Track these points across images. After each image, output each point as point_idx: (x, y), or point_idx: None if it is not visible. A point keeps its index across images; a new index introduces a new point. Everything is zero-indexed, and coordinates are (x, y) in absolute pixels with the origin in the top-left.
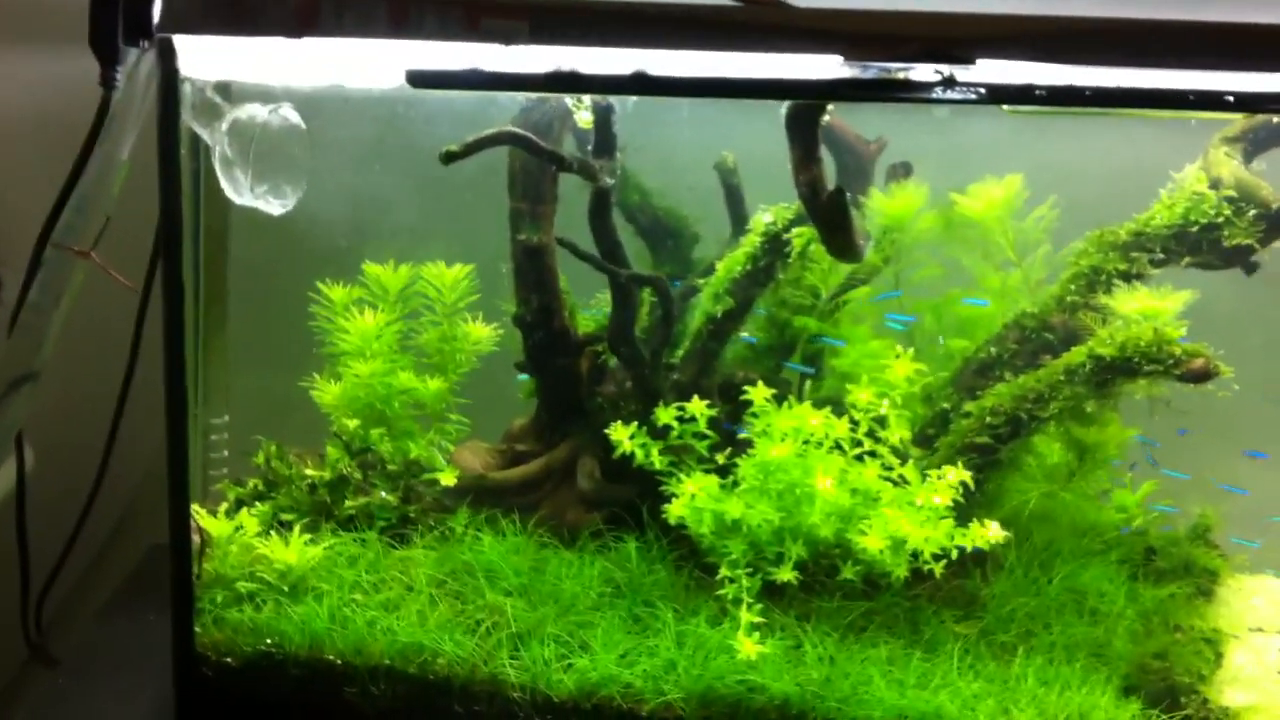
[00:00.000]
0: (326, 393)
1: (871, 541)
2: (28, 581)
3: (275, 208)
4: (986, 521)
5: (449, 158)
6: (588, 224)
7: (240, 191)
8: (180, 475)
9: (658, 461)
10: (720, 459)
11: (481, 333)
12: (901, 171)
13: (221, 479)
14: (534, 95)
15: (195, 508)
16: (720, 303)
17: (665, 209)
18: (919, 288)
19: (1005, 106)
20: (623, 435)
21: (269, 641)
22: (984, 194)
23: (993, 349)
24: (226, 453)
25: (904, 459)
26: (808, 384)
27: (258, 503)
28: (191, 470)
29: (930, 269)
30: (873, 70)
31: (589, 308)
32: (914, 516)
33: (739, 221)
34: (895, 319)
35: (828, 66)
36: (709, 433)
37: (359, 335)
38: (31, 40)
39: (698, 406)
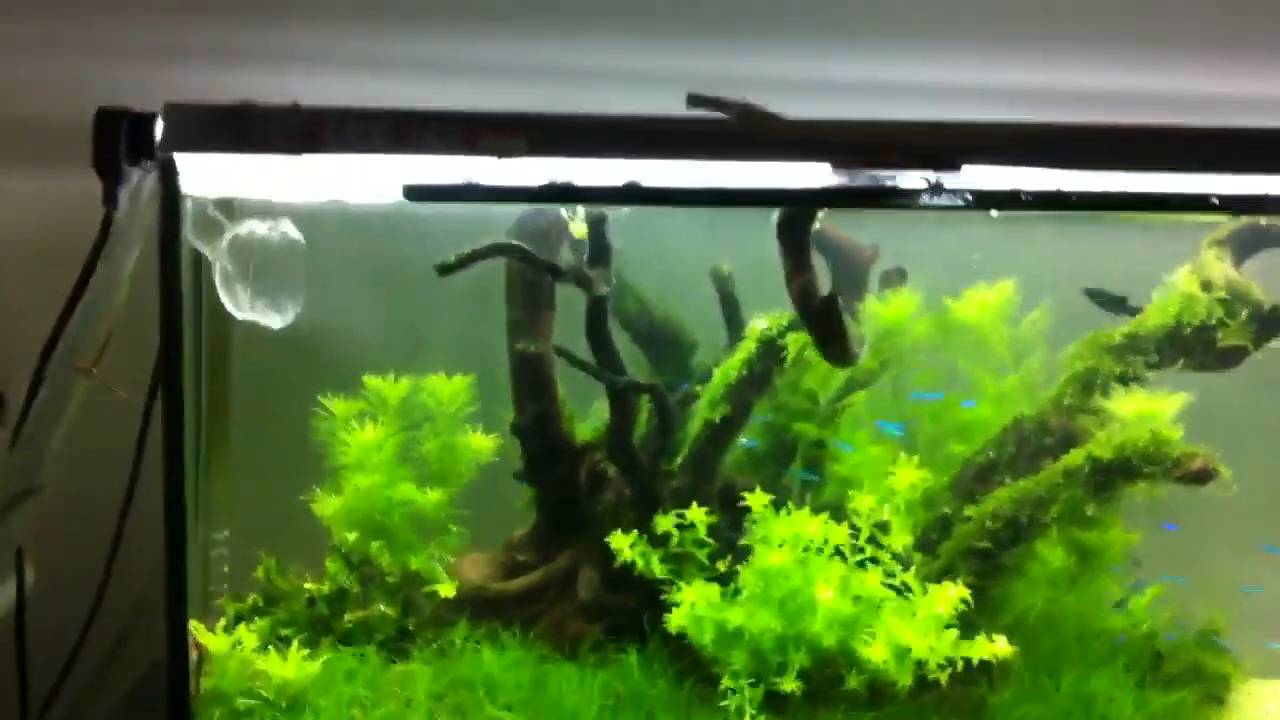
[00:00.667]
0: (327, 506)
1: (875, 651)
2: (26, 701)
3: (275, 321)
4: (995, 636)
5: (444, 270)
6: (586, 329)
7: (241, 306)
8: (179, 591)
9: (658, 569)
10: (721, 566)
11: (482, 443)
12: (896, 277)
13: (222, 594)
14: (530, 206)
15: (193, 623)
16: (717, 409)
17: (662, 317)
18: (916, 392)
19: (994, 211)
20: (622, 543)
21: None
22: (977, 299)
23: (991, 453)
24: (227, 568)
25: (906, 565)
26: (810, 491)
27: (256, 618)
28: (191, 586)
29: (927, 374)
30: (861, 178)
31: (587, 416)
32: (917, 626)
33: (735, 328)
34: (888, 425)
35: (817, 175)
36: (708, 540)
37: (359, 448)
38: (36, 160)
39: (697, 513)
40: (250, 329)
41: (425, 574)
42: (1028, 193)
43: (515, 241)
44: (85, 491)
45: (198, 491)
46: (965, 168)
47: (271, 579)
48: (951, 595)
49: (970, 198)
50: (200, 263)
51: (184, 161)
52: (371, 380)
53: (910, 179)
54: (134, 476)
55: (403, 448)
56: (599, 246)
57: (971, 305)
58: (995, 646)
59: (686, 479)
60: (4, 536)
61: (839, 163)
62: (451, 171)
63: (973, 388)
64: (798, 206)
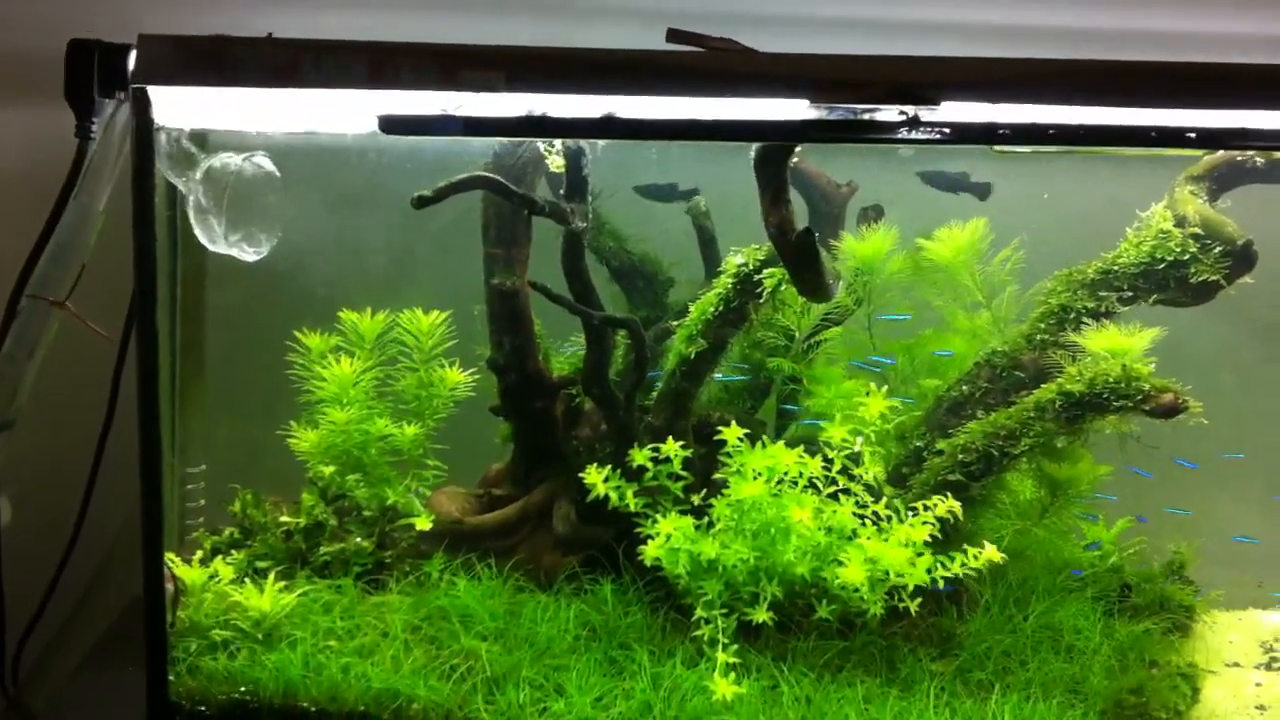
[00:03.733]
0: (303, 440)
1: (850, 573)
2: (3, 634)
3: (249, 255)
4: (982, 547)
5: (420, 202)
6: (560, 268)
7: (215, 239)
8: (154, 524)
9: (632, 503)
10: (695, 500)
11: (457, 378)
12: (872, 215)
13: (198, 528)
14: (506, 141)
15: (170, 556)
16: (693, 344)
17: (639, 253)
18: (892, 330)
19: (995, 148)
20: (597, 478)
21: (243, 689)
22: (951, 237)
23: (965, 387)
24: (203, 501)
25: (878, 496)
26: (791, 426)
27: (233, 551)
28: (167, 519)
29: (901, 310)
30: (839, 112)
31: (563, 351)
32: (893, 550)
33: (711, 264)
34: (872, 361)
35: (795, 110)
36: (683, 474)
37: (336, 382)
38: (9, 93)
39: (672, 447)
40: (225, 262)
41: (402, 508)
42: (1005, 126)
43: (492, 175)
44: (62, 427)
45: (174, 426)
46: (944, 104)
47: (248, 512)
48: (938, 510)
49: (947, 132)
50: (175, 196)
51: (157, 94)
52: (348, 315)
53: (888, 114)
54: (110, 411)
55: (379, 383)
56: (576, 181)
57: (945, 243)
58: (987, 552)
59: (662, 414)
60: None
61: (817, 97)
62: (428, 103)
63: (946, 323)
64: (775, 141)
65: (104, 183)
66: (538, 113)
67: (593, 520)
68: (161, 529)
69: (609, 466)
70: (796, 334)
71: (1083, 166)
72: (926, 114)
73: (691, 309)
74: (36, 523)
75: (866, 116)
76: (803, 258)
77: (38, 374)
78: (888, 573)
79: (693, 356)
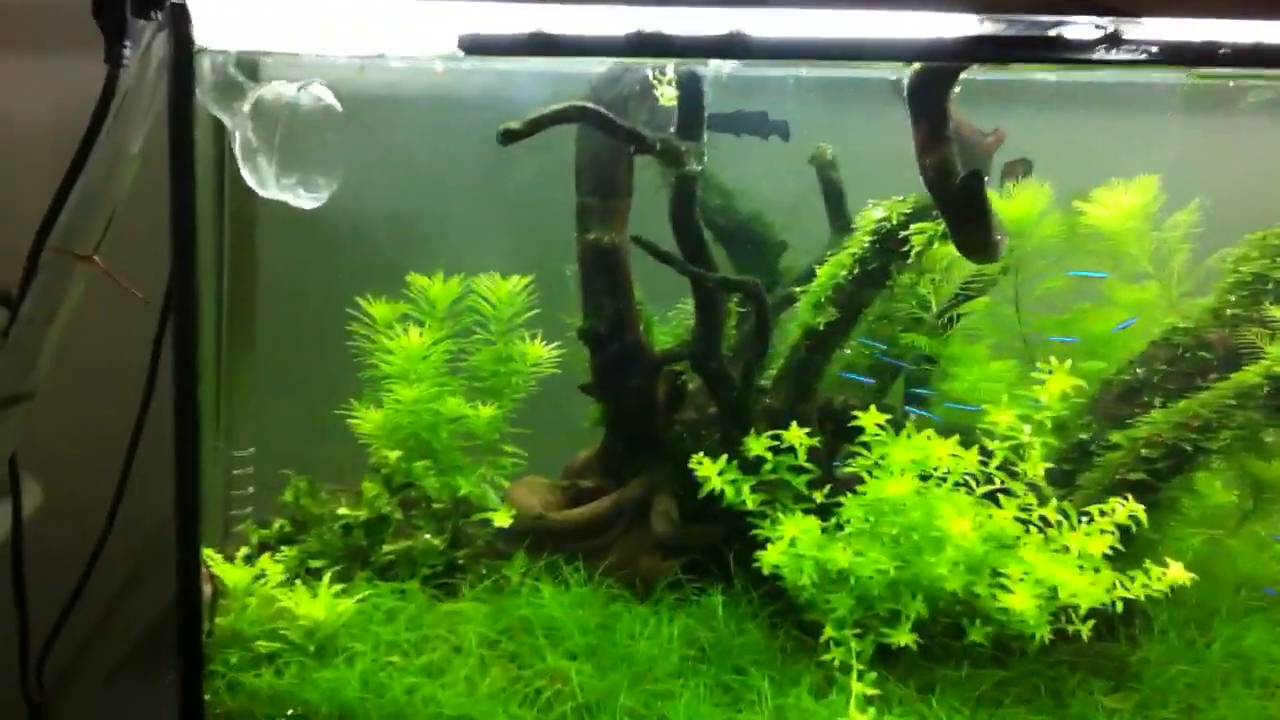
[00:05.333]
0: (366, 421)
1: (1017, 600)
2: (27, 634)
3: (306, 201)
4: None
5: (509, 136)
6: (668, 221)
7: (265, 183)
8: (190, 516)
9: (749, 500)
10: (818, 497)
11: (540, 352)
12: (1020, 169)
13: (245, 519)
14: (609, 64)
15: (208, 553)
16: (822, 313)
17: (748, 211)
18: (1041, 303)
19: (1192, 71)
20: (711, 470)
21: (291, 711)
22: (1114, 199)
23: (1139, 370)
24: (251, 489)
25: (1042, 499)
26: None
27: (283, 547)
28: (208, 510)
29: (1054, 281)
30: (1018, 27)
31: (667, 320)
32: (1068, 565)
33: (840, 221)
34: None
35: (962, 25)
36: (807, 466)
37: (403, 356)
38: (46, 40)
39: (796, 434)
40: (277, 210)
41: (476, 500)
42: (1225, 45)
43: (593, 105)
44: (95, 402)
45: (218, 403)
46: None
47: (301, 502)
48: (1116, 515)
49: (1154, 52)
50: (221, 133)
51: (199, 9)
52: (417, 278)
53: (1079, 28)
54: (150, 385)
55: (452, 357)
56: (692, 114)
57: (1110, 206)
58: (1174, 572)
59: (782, 395)
60: None
61: (991, 8)
62: (514, 21)
63: (1106, 297)
64: (938, 62)
65: (139, 121)
66: (647, 30)
67: (698, 519)
68: (198, 521)
69: (722, 456)
70: (933, 305)
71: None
72: (1129, 29)
73: (819, 273)
74: (66, 510)
75: (1053, 32)
76: (969, 207)
77: (63, 339)
78: (1056, 591)
79: (821, 327)
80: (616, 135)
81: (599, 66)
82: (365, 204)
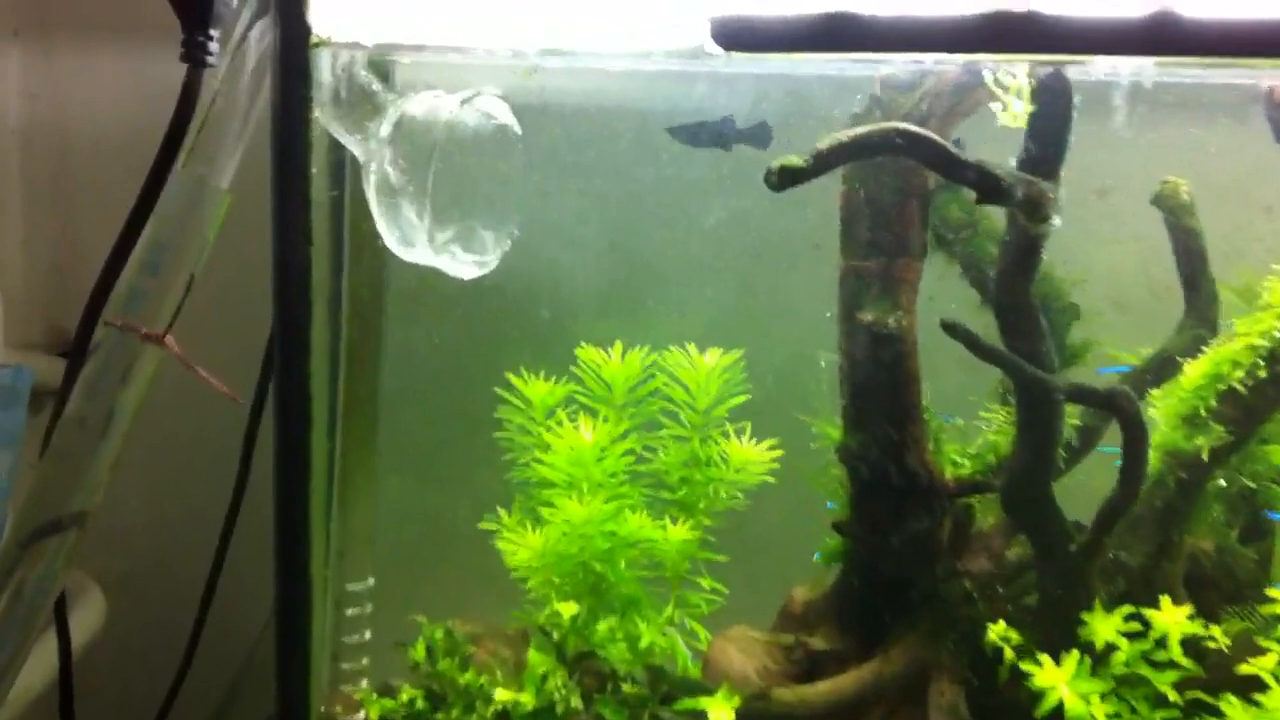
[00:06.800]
0: (520, 547)
1: None
2: None
3: (468, 267)
4: None
5: (787, 177)
6: (995, 291)
7: (412, 239)
8: (293, 680)
9: (1098, 712)
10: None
11: (750, 455)
12: None
13: (359, 674)
14: (910, 61)
15: None
16: (1199, 431)
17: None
18: None
19: None
20: (1051, 674)
21: None
22: None
23: None
24: (369, 635)
25: None
26: None
27: None
28: (312, 662)
29: None
30: None
31: (957, 432)
32: None
33: (1200, 287)
34: None
35: None
36: (1186, 664)
37: (569, 458)
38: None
39: (1171, 613)
40: (425, 278)
41: (664, 654)
42: None
43: (920, 130)
44: (176, 510)
45: (328, 521)
46: None
47: (439, 666)
48: None
49: None
50: (345, 164)
51: None
52: (587, 352)
53: None
54: (238, 493)
55: (632, 457)
56: (1055, 139)
57: None
58: None
59: (1142, 550)
60: (25, 584)
61: None
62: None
63: None
64: None
65: (229, 144)
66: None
67: (998, 715)
68: (306, 689)
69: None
70: None
71: None
72: None
73: (1189, 371)
74: (140, 644)
75: None
76: None
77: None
78: None
79: (1194, 454)
80: (955, 175)
81: (884, 67)
82: (541, 266)
